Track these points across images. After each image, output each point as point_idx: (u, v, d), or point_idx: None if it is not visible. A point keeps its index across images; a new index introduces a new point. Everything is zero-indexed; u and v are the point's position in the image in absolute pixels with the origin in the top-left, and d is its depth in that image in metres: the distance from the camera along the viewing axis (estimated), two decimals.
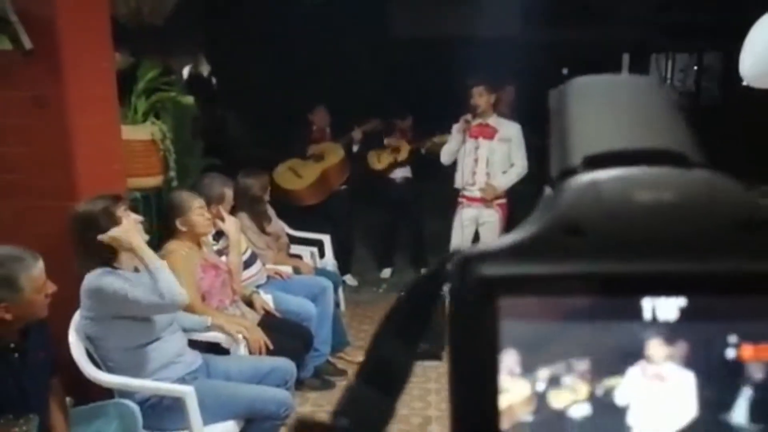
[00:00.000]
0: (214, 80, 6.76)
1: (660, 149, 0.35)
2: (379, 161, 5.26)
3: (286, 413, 2.64)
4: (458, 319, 0.33)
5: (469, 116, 4.23)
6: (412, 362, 0.42)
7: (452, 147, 4.33)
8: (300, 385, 3.42)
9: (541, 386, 0.33)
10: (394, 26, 7.83)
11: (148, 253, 2.51)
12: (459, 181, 4.36)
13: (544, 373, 0.33)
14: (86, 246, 2.48)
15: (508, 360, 0.33)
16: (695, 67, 8.95)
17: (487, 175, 4.24)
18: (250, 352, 2.97)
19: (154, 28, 3.83)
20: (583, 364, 0.33)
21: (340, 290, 4.40)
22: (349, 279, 5.31)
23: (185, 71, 5.73)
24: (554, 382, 0.33)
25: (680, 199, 0.33)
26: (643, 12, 7.50)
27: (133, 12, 3.64)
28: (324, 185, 4.98)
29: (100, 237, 2.44)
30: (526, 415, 0.33)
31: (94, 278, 2.45)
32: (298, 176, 4.91)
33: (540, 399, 0.33)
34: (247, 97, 6.59)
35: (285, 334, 3.22)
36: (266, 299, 3.49)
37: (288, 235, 4.47)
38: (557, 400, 0.34)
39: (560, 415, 0.34)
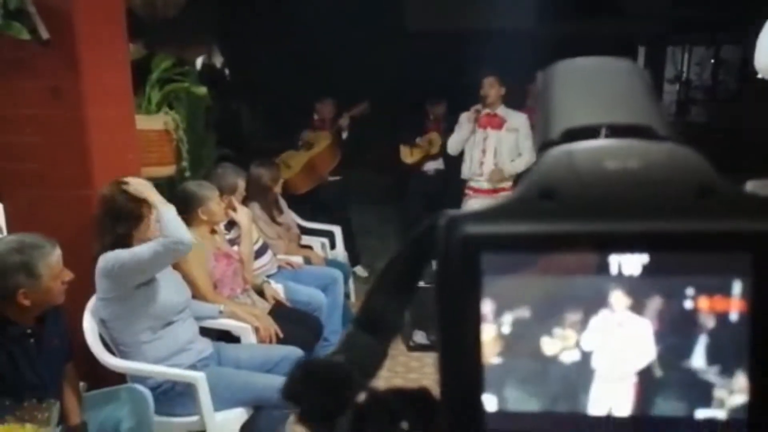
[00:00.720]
0: (227, 71, 6.80)
1: (630, 124, 0.38)
2: (411, 154, 5.27)
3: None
4: (445, 273, 0.37)
5: (479, 106, 4.27)
6: (402, 312, 0.46)
7: (460, 137, 4.36)
8: None
9: (506, 329, 0.36)
10: (411, 19, 7.82)
11: (159, 199, 2.61)
12: (466, 172, 4.38)
13: (508, 318, 0.36)
14: (104, 229, 2.55)
15: (485, 309, 0.36)
16: (712, 61, 8.87)
17: (495, 165, 4.27)
18: (260, 341, 3.01)
19: (168, 20, 3.86)
20: (561, 314, 0.37)
21: (350, 281, 4.43)
22: (360, 270, 5.33)
23: (198, 62, 5.77)
24: (519, 326, 0.36)
25: (645, 166, 0.36)
26: (660, 5, 7.45)
27: (147, 3, 3.67)
28: (311, 173, 5.02)
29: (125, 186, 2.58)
30: (494, 358, 0.37)
31: (106, 257, 2.51)
32: (287, 166, 4.95)
33: (506, 342, 0.37)
34: (260, 89, 6.63)
35: (295, 324, 3.25)
36: (277, 289, 3.53)
37: (299, 225, 4.50)
38: (548, 347, 0.37)
39: (529, 357, 0.37)
